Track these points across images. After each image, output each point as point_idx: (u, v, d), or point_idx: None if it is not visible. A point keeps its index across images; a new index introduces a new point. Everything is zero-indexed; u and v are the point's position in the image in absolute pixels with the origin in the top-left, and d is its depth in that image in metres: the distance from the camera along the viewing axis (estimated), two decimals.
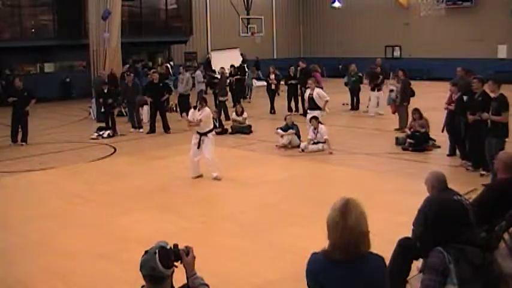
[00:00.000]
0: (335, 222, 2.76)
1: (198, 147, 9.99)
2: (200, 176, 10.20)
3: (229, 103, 18.32)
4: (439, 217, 3.35)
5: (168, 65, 25.87)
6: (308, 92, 13.53)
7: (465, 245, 3.20)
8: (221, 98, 17.43)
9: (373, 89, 17.42)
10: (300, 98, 17.79)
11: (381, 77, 17.56)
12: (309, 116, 13.02)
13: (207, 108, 10.16)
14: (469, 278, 3.13)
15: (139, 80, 18.70)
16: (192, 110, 10.34)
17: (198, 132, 10.05)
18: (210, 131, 10.16)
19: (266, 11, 32.13)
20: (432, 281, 3.18)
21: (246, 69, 24.10)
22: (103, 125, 15.63)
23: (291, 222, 7.61)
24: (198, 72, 20.85)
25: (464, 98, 10.15)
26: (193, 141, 10.10)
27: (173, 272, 2.87)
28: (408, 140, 12.14)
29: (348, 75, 19.04)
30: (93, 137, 14.90)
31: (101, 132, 15.07)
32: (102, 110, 16.08)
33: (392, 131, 14.19)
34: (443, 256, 3.15)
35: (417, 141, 11.98)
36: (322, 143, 12.37)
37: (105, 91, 15.88)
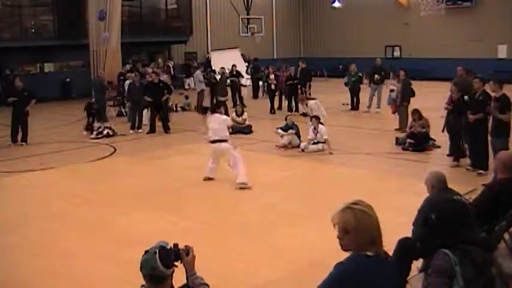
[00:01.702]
0: (371, 217, 2.77)
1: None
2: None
3: (229, 103, 18.34)
4: (439, 218, 3.34)
5: (170, 65, 25.87)
6: (302, 108, 13.94)
7: (466, 245, 3.20)
8: (221, 98, 17.42)
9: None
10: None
11: (382, 73, 17.96)
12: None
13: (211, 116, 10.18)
14: (472, 278, 3.13)
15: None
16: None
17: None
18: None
19: (266, 11, 32.12)
20: (440, 284, 3.15)
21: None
22: (105, 124, 15.71)
23: (291, 222, 7.60)
24: (198, 72, 20.86)
25: (465, 98, 10.16)
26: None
27: (173, 271, 2.87)
28: (408, 140, 12.15)
29: (348, 75, 19.07)
30: (92, 136, 14.92)
31: (99, 130, 15.09)
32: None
33: (392, 131, 14.19)
34: (449, 258, 3.14)
35: (417, 141, 11.98)
36: (322, 143, 12.37)
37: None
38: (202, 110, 10.26)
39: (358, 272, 2.70)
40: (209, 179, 9.99)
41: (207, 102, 18.88)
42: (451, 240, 3.21)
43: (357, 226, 2.73)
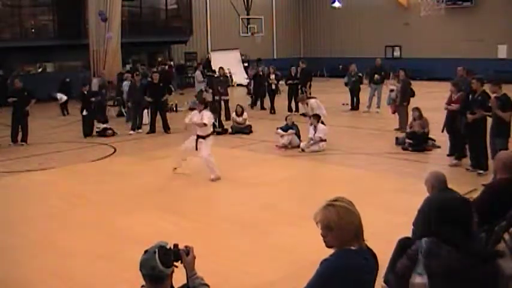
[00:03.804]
0: (352, 213, 2.82)
1: (196, 149, 10.09)
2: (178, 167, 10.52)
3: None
4: (440, 216, 3.34)
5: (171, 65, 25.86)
6: (303, 108, 14.12)
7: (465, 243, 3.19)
8: (223, 98, 17.39)
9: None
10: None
11: (382, 73, 17.98)
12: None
13: (207, 111, 10.22)
14: (439, 275, 3.13)
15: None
16: (193, 112, 10.36)
17: (197, 135, 10.10)
18: (209, 135, 10.19)
19: (266, 11, 32.12)
20: (403, 264, 3.30)
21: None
22: (105, 125, 15.73)
23: (290, 222, 7.60)
24: (198, 72, 20.84)
25: (470, 97, 10.17)
26: (189, 142, 10.22)
27: (173, 271, 2.87)
28: (407, 140, 12.15)
29: (348, 75, 19.06)
30: (97, 127, 15.25)
31: (101, 129, 15.19)
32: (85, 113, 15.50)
33: (392, 131, 14.19)
34: (420, 246, 3.21)
35: (416, 142, 11.98)
36: (323, 141, 12.37)
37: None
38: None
39: (345, 266, 2.76)
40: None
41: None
42: (449, 238, 3.21)
43: (340, 223, 2.79)
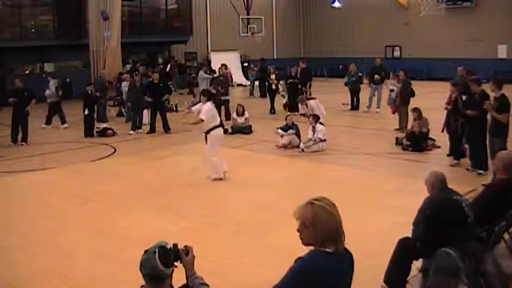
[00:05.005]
0: (329, 214, 2.83)
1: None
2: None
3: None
4: (439, 216, 3.35)
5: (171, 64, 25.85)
6: (302, 108, 14.43)
7: (464, 241, 3.20)
8: (224, 97, 17.39)
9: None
10: None
11: (382, 73, 17.97)
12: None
13: (208, 103, 9.70)
14: (472, 273, 3.14)
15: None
16: (199, 103, 10.09)
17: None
18: (212, 129, 9.75)
19: (266, 11, 32.13)
20: (446, 281, 3.22)
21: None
22: (105, 125, 15.75)
23: (290, 222, 7.55)
24: (201, 72, 20.87)
25: (463, 97, 10.18)
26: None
27: (173, 271, 2.87)
28: (404, 142, 12.15)
29: (348, 75, 19.08)
30: (96, 128, 15.27)
31: (101, 129, 15.19)
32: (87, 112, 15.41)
33: (392, 131, 14.19)
34: (453, 257, 3.16)
35: (414, 142, 11.97)
36: (323, 141, 12.37)
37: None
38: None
39: (316, 267, 2.78)
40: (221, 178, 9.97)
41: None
42: (449, 237, 3.21)
43: (314, 221, 2.84)
